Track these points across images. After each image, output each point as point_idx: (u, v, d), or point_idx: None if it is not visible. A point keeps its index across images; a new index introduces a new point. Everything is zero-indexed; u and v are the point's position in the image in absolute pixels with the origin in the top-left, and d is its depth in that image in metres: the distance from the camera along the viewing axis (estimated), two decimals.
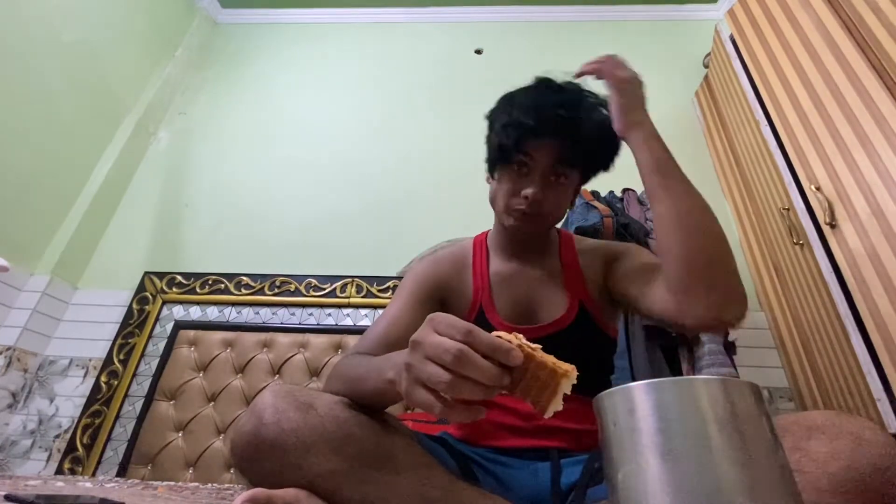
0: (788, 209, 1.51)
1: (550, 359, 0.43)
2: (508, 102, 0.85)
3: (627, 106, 0.74)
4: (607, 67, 0.78)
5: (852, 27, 1.35)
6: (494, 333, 0.44)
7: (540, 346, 0.44)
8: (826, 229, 1.33)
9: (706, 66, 2.18)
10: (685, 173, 0.70)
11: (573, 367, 0.43)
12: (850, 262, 1.26)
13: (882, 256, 1.17)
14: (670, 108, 2.26)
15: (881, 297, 1.16)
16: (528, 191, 0.79)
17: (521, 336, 0.45)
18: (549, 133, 0.78)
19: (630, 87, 0.76)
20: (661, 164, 0.70)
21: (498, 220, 0.89)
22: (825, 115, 1.38)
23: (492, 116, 0.89)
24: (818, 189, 1.36)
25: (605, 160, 0.85)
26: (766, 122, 1.64)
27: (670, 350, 1.44)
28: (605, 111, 0.80)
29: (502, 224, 0.86)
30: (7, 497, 0.68)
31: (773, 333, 1.73)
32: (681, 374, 1.41)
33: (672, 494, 0.32)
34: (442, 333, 0.45)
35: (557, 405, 0.43)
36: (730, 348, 1.50)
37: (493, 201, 0.88)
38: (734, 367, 1.41)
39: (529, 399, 0.43)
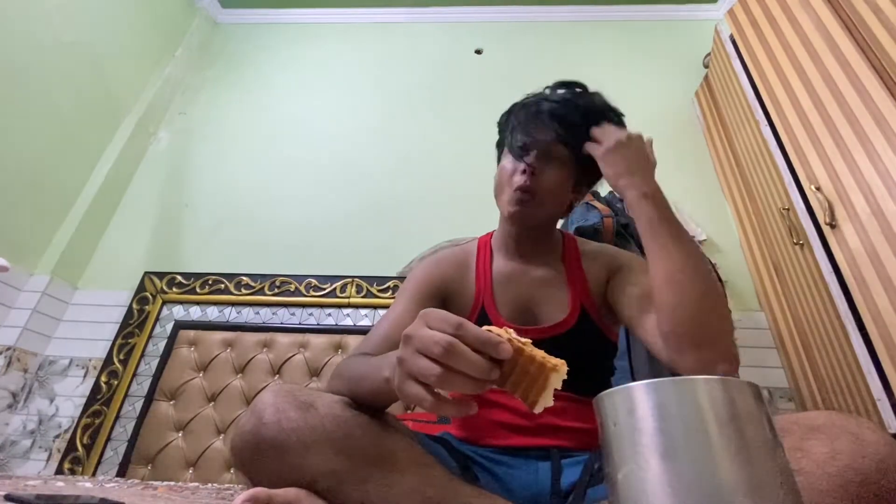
0: (788, 209, 1.51)
1: (540, 353, 0.43)
2: (516, 104, 0.91)
3: (614, 174, 0.76)
4: (594, 147, 0.80)
5: (852, 27, 1.36)
6: (485, 328, 0.45)
7: (530, 341, 0.44)
8: (826, 229, 1.33)
9: (706, 66, 2.18)
10: (681, 228, 0.71)
11: (562, 361, 0.43)
12: (850, 262, 1.26)
13: (882, 256, 1.17)
14: (670, 108, 2.26)
15: (881, 297, 1.16)
16: (528, 160, 0.83)
17: (511, 330, 0.45)
18: (547, 116, 0.83)
19: (616, 155, 0.77)
20: (652, 225, 0.71)
21: (501, 210, 0.89)
22: (825, 115, 1.38)
23: (502, 118, 0.95)
24: (818, 189, 1.36)
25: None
26: (766, 122, 1.64)
27: None
28: (602, 104, 0.86)
29: (504, 214, 0.87)
30: (7, 497, 0.68)
31: (773, 333, 1.73)
32: (681, 374, 1.41)
33: (672, 494, 0.32)
34: (433, 327, 0.45)
35: (548, 400, 0.43)
36: None
37: (496, 190, 0.89)
38: None
39: (519, 393, 0.43)
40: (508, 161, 0.87)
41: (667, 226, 0.70)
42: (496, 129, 0.97)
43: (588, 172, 0.88)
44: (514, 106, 0.91)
